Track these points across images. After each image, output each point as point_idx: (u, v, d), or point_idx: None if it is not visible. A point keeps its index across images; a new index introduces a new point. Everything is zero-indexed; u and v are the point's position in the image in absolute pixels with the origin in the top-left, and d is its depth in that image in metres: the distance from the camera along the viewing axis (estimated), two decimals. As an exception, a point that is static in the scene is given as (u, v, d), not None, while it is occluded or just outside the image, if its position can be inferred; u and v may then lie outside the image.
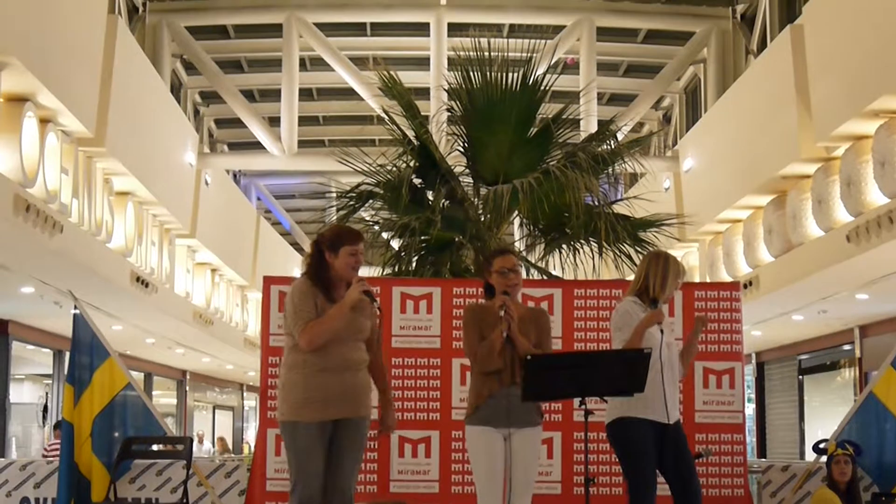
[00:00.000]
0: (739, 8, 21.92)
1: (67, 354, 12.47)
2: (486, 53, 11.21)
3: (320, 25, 21.93)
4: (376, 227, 11.74)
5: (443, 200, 11.25)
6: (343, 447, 6.59)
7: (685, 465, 7.19)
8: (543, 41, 11.90)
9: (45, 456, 14.93)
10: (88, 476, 9.54)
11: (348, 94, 23.60)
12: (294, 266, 29.84)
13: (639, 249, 11.18)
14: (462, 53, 11.38)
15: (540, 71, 11.45)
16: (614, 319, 7.39)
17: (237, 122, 24.42)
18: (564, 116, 11.66)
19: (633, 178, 21.00)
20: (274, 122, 22.49)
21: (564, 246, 11.40)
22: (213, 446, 28.10)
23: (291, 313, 6.60)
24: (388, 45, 23.81)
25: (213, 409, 37.28)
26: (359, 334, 6.68)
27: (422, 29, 22.17)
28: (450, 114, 11.96)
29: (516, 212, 11.43)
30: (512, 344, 6.84)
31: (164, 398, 30.91)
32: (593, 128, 15.68)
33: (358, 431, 6.67)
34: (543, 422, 7.08)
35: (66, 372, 11.45)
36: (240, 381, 36.99)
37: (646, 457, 7.12)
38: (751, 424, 24.21)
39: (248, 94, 24.89)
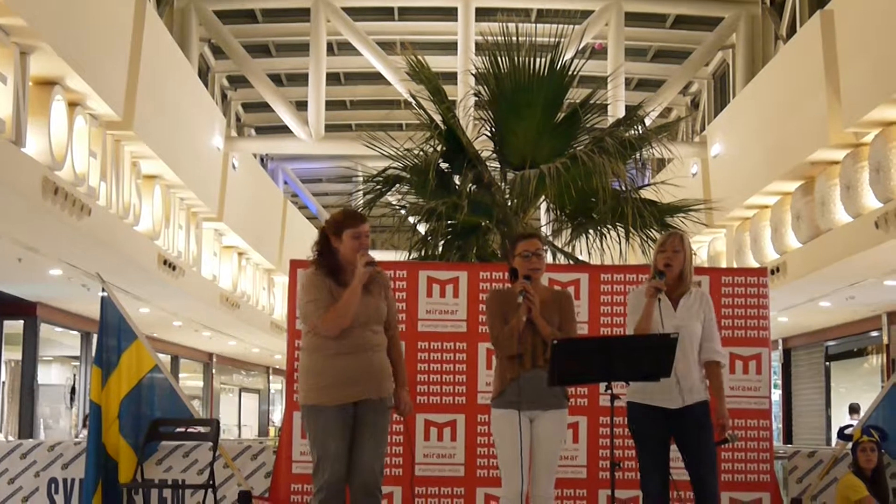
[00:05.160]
0: (768, -8, 21.83)
1: (95, 337, 12.54)
2: (514, 38, 11.17)
3: (348, 10, 21.94)
4: (403, 212, 11.76)
5: (470, 185, 11.24)
6: (364, 428, 6.59)
7: (696, 459, 7.04)
8: (571, 26, 11.89)
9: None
10: (116, 457, 9.58)
11: (375, 78, 23.61)
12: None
13: (665, 235, 11.16)
14: (490, 38, 11.36)
15: (568, 56, 11.42)
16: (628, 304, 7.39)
17: (264, 107, 24.49)
18: (592, 101, 11.61)
19: (661, 164, 20.98)
20: (301, 106, 22.52)
21: (591, 231, 11.38)
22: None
23: (309, 303, 6.62)
24: (415, 30, 23.78)
25: (240, 391, 37.42)
26: (374, 316, 6.67)
27: (449, 13, 22.14)
28: (477, 98, 11.95)
29: (543, 197, 11.40)
30: (534, 328, 6.85)
31: (190, 381, 31.07)
32: (621, 113, 15.63)
33: (379, 412, 6.66)
34: (569, 406, 7.07)
35: (93, 354, 11.51)
36: (266, 364, 37.11)
37: (647, 442, 7.08)
38: (777, 410, 24.16)
39: (276, 79, 24.93)
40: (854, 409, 19.42)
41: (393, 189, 11.66)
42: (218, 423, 10.17)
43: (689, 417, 7.07)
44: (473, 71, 11.99)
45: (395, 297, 7.03)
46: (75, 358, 22.16)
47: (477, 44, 19.07)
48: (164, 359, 25.68)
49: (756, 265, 18.18)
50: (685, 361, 7.06)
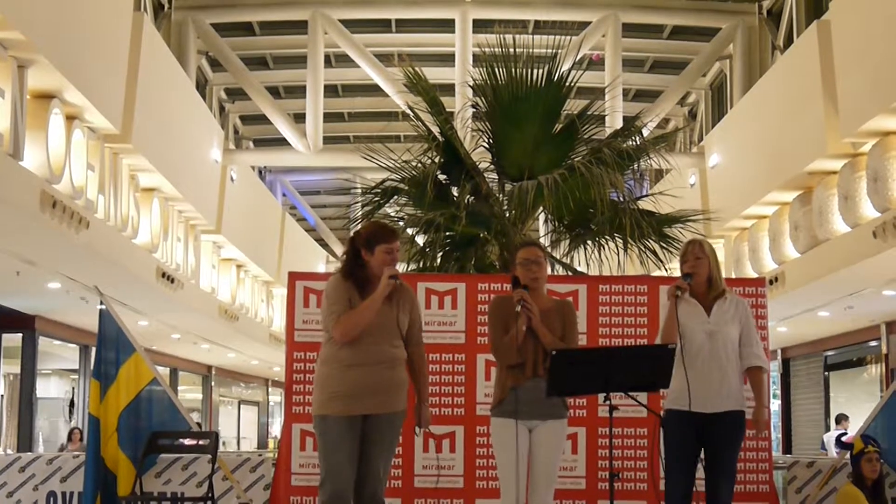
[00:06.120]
0: (766, 3, 21.85)
1: (94, 350, 12.52)
2: (512, 49, 11.19)
3: (345, 22, 21.95)
4: (401, 223, 11.75)
5: (468, 196, 11.25)
6: (372, 442, 6.57)
7: (715, 468, 7.03)
8: (569, 37, 11.88)
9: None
10: (114, 470, 9.57)
11: (373, 90, 23.63)
12: (319, 262, 30.00)
13: (664, 245, 11.17)
14: (487, 50, 11.38)
15: (565, 67, 11.44)
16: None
17: (262, 119, 24.48)
18: (590, 112, 11.63)
19: (659, 175, 20.95)
20: (299, 118, 22.53)
21: (589, 242, 11.38)
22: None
23: (325, 308, 6.60)
24: (413, 42, 23.81)
25: (239, 404, 37.40)
26: (395, 330, 6.64)
27: (447, 25, 22.17)
28: (475, 110, 11.96)
29: (541, 208, 11.41)
30: (535, 337, 6.83)
31: (189, 393, 31.03)
32: (619, 124, 15.63)
33: (388, 427, 6.63)
34: (569, 416, 7.05)
35: (92, 367, 11.50)
36: (265, 377, 37.08)
37: (676, 450, 7.06)
38: (776, 420, 24.14)
39: (274, 91, 24.95)
40: (839, 421, 19.43)
41: (391, 201, 11.67)
42: (217, 435, 10.15)
43: (719, 424, 7.03)
44: (471, 82, 12.03)
45: (419, 314, 6.96)
46: (74, 371, 22.14)
47: (474, 55, 19.14)
48: (163, 371, 25.66)
49: (754, 275, 18.17)
50: (719, 367, 7.02)
